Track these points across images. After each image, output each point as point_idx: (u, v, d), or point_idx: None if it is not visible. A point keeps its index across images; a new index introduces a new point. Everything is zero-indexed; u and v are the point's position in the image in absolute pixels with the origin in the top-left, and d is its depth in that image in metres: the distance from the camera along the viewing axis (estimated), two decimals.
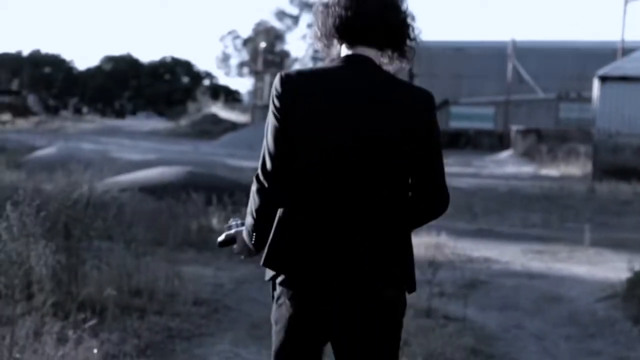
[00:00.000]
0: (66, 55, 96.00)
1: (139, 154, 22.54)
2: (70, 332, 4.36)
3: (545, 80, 33.66)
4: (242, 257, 2.49)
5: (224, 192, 9.92)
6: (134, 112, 57.29)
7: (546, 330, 5.77)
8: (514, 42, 34.28)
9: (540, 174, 21.41)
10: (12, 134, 29.86)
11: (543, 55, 34.17)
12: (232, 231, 2.49)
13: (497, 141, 31.24)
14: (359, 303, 2.28)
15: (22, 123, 40.03)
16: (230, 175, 14.09)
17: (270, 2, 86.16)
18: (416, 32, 2.40)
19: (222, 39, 63.64)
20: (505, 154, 27.26)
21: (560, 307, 6.51)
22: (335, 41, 2.42)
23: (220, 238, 2.51)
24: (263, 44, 49.40)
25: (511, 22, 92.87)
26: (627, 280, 6.70)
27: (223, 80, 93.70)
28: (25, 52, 63.44)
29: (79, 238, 5.19)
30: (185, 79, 62.92)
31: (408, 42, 2.40)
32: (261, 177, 2.31)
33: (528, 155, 25.44)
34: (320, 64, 2.52)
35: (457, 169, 22.06)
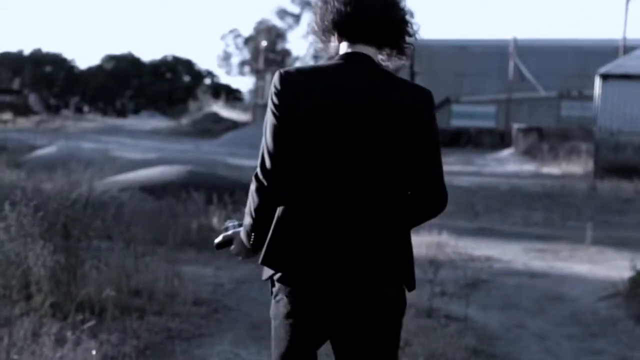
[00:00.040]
0: (67, 54, 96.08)
1: (139, 153, 22.52)
2: (68, 333, 4.33)
3: (546, 78, 33.62)
4: (240, 258, 2.47)
5: (224, 191, 9.89)
6: (136, 111, 57.26)
7: (548, 330, 5.74)
8: (515, 41, 34.23)
9: (542, 172, 21.36)
10: (13, 133, 29.85)
11: (544, 54, 34.13)
12: (230, 232, 2.46)
13: (499, 139, 31.21)
14: (358, 302, 2.27)
15: (23, 122, 40.04)
16: (231, 174, 14.06)
17: (272, 0, 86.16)
18: (415, 28, 2.39)
19: (223, 37, 63.69)
20: (506, 152, 27.21)
21: (562, 307, 6.48)
22: (333, 37, 2.40)
23: (218, 239, 2.49)
24: (264, 43, 49.36)
25: (512, 21, 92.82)
26: (630, 279, 6.67)
27: (224, 79, 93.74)
28: (27, 51, 63.45)
29: (78, 238, 5.16)
30: (187, 78, 62.91)
31: (407, 39, 2.38)
32: (260, 176, 2.29)
33: (529, 153, 25.40)
34: (321, 62, 2.50)
35: (458, 168, 22.03)
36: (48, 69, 61.43)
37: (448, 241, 9.28)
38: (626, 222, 12.29)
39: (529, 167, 22.79)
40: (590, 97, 25.22)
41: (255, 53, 53.15)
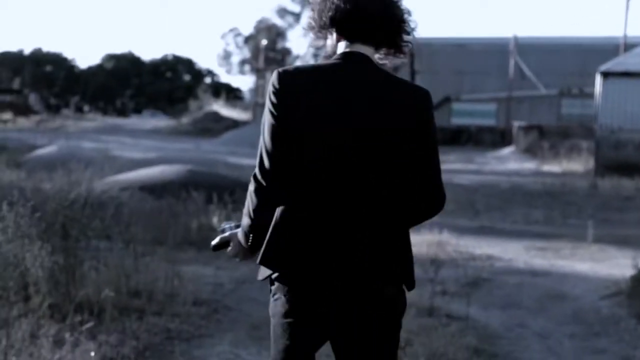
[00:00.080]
0: (68, 54, 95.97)
1: (140, 152, 22.49)
2: (67, 335, 4.31)
3: (547, 76, 33.57)
4: (238, 259, 2.46)
5: (224, 190, 9.87)
6: (138, 111, 57.23)
7: (550, 329, 5.71)
8: (515, 38, 34.18)
9: (542, 170, 21.34)
10: (13, 132, 29.83)
11: (545, 52, 34.07)
12: (227, 234, 2.44)
13: (499, 137, 31.17)
14: (358, 301, 2.25)
15: (23, 122, 40.02)
16: (231, 173, 14.03)
17: None
18: (412, 26, 2.38)
19: (223, 36, 63.66)
20: (507, 151, 27.18)
21: (564, 305, 6.44)
22: (330, 35, 2.39)
23: (215, 241, 2.47)
24: (264, 42, 49.33)
25: (513, 18, 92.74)
26: (632, 277, 6.63)
27: (224, 78, 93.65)
28: (27, 51, 63.45)
29: (77, 238, 5.12)
30: (187, 77, 62.91)
31: (405, 37, 2.37)
32: (259, 176, 2.27)
33: (530, 151, 25.37)
34: (319, 61, 2.48)
35: (458, 166, 22.00)
36: (48, 68, 61.42)
37: (449, 240, 9.25)
38: (627, 219, 12.26)
39: (529, 165, 22.76)
40: (590, 95, 25.18)
41: (256, 52, 53.12)
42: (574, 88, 32.52)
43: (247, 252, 2.38)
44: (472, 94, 34.61)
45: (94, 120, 46.09)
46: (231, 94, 56.79)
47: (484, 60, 34.95)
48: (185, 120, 41.26)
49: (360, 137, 2.24)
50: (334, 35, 2.37)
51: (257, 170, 2.28)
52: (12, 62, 60.71)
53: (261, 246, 2.30)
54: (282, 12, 56.94)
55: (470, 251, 8.89)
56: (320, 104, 2.24)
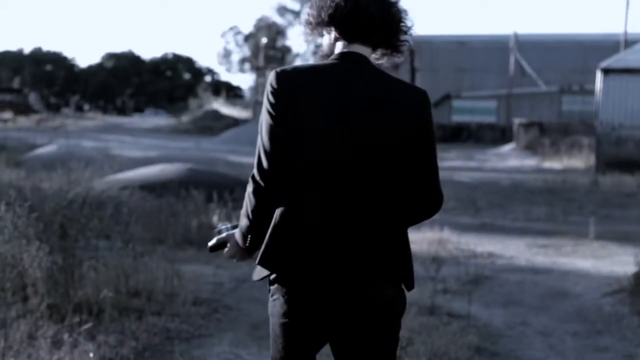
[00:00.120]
0: (68, 53, 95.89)
1: (140, 151, 22.46)
2: (65, 336, 4.27)
3: (547, 73, 33.54)
4: (235, 260, 2.44)
5: (224, 189, 9.83)
6: (137, 109, 57.20)
7: (552, 327, 5.67)
8: (516, 36, 34.13)
9: (543, 167, 21.30)
10: (13, 132, 29.80)
11: (545, 49, 34.03)
12: (223, 235, 2.44)
13: (500, 135, 31.15)
14: (357, 302, 2.24)
15: (23, 121, 40.02)
16: (232, 171, 14.00)
17: None
18: (409, 25, 2.37)
19: (223, 35, 63.55)
20: (507, 148, 27.15)
21: (566, 303, 6.41)
22: (327, 32, 2.38)
23: (212, 242, 2.46)
24: (264, 40, 49.30)
25: (513, 16, 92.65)
26: (634, 274, 6.59)
27: (224, 76, 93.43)
28: (27, 50, 63.47)
29: (75, 238, 5.09)
30: (187, 76, 62.92)
31: (402, 37, 2.37)
32: (257, 177, 2.25)
33: (531, 148, 25.34)
34: (317, 61, 2.47)
35: (459, 163, 21.97)
36: (48, 67, 61.43)
37: (450, 237, 9.22)
38: (629, 216, 12.22)
39: (530, 162, 22.73)
40: (591, 92, 25.16)
41: (256, 50, 53.09)
42: (574, 85, 32.47)
43: (245, 252, 2.37)
44: (472, 91, 34.57)
45: (94, 119, 46.09)
46: (231, 93, 56.80)
47: (485, 58, 34.92)
48: (185, 118, 41.27)
49: (359, 137, 2.23)
50: (332, 34, 2.36)
51: (255, 171, 2.26)
52: (12, 61, 60.70)
53: (259, 247, 2.29)
54: (282, 10, 56.91)
55: (471, 249, 8.85)
56: (318, 104, 2.23)
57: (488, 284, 7.08)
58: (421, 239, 8.78)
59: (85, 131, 34.39)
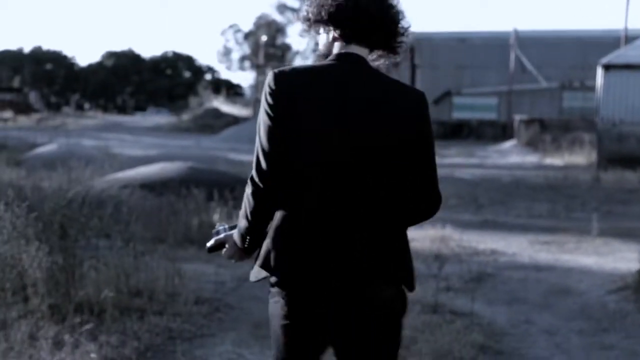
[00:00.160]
0: (67, 52, 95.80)
1: (140, 149, 22.43)
2: (67, 336, 4.24)
3: (547, 69, 33.50)
4: (234, 261, 2.44)
5: (225, 187, 9.80)
6: (141, 108, 57.13)
7: (557, 325, 5.63)
8: (516, 32, 34.07)
9: (545, 163, 21.26)
10: (13, 131, 29.77)
11: (545, 45, 33.99)
12: (221, 236, 2.44)
13: (500, 131, 31.10)
14: (356, 303, 2.24)
15: (23, 120, 39.99)
16: (232, 169, 13.96)
17: None
18: (406, 26, 2.36)
19: (223, 32, 63.58)
20: (508, 144, 27.10)
21: (569, 300, 6.37)
22: (325, 32, 2.36)
23: (210, 243, 2.46)
24: (264, 38, 49.25)
25: (513, 12, 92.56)
26: (638, 271, 6.55)
27: (225, 74, 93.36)
28: (27, 49, 63.40)
29: (75, 238, 5.05)
30: (187, 74, 62.89)
31: (399, 39, 2.37)
32: (256, 179, 2.24)
33: (532, 145, 25.30)
34: (315, 62, 2.45)
35: (460, 160, 21.92)
36: (48, 66, 61.40)
37: (452, 235, 9.18)
38: (631, 212, 12.18)
39: (531, 158, 22.69)
40: (592, 88, 25.10)
41: (256, 48, 53.05)
42: (575, 81, 32.42)
43: (244, 253, 2.37)
44: (472, 88, 34.52)
45: (95, 118, 46.06)
46: (231, 91, 56.74)
47: (485, 54, 34.88)
48: (185, 117, 41.24)
49: (357, 138, 2.22)
50: (330, 34, 2.35)
51: (254, 173, 2.25)
52: (12, 60, 60.67)
53: (257, 247, 2.29)
54: (282, 8, 56.86)
55: (473, 246, 8.81)
56: (316, 105, 2.22)
57: (491, 282, 7.04)
58: (423, 236, 8.75)
59: (85, 130, 34.36)
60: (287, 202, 2.24)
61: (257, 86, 43.30)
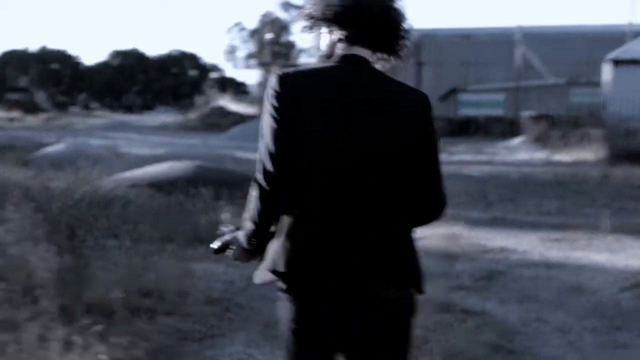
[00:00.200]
0: (73, 51, 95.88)
1: (148, 148, 22.42)
2: (76, 338, 4.21)
3: (554, 65, 33.36)
4: (240, 262, 2.45)
5: (233, 185, 9.78)
6: (148, 107, 57.08)
7: (569, 323, 5.58)
8: (521, 28, 33.95)
9: (553, 159, 21.15)
10: (21, 131, 29.81)
11: (551, 40, 33.86)
12: (227, 237, 2.44)
13: (508, 128, 30.97)
14: (361, 305, 2.24)
15: (31, 120, 40.03)
16: (240, 167, 13.92)
17: None
18: (408, 29, 2.36)
19: (228, 31, 63.50)
20: (516, 141, 26.98)
21: (582, 298, 6.31)
22: (328, 32, 2.34)
23: (215, 245, 2.46)
24: (269, 36, 49.21)
25: (518, 8, 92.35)
26: None
27: (230, 72, 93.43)
28: (33, 49, 63.44)
29: (84, 238, 5.03)
30: (193, 72, 62.85)
31: (401, 42, 2.36)
32: (262, 182, 2.24)
33: (540, 141, 25.17)
34: (318, 63, 2.42)
35: (468, 157, 21.83)
36: (54, 66, 61.45)
37: (462, 232, 9.14)
38: None
39: (539, 154, 22.58)
40: (599, 83, 24.97)
41: (261, 46, 53.03)
42: (582, 77, 32.28)
43: (250, 254, 2.38)
44: (479, 85, 34.41)
45: (102, 117, 46.10)
46: (237, 89, 56.69)
47: (490, 51, 34.76)
48: (192, 115, 41.23)
49: (360, 140, 2.22)
50: (333, 35, 2.33)
51: (259, 176, 2.24)
52: (19, 60, 60.77)
53: (263, 248, 2.29)
54: (286, 5, 56.77)
55: (483, 244, 8.76)
56: (319, 107, 2.22)
57: (502, 280, 6.99)
58: (433, 234, 8.69)
59: (92, 129, 34.37)
60: (292, 204, 2.24)
61: (263, 84, 43.28)
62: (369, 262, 2.22)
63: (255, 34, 58.72)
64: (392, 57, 2.37)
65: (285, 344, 2.32)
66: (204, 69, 62.90)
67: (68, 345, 4.19)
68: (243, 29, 60.33)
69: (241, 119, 37.49)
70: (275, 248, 2.25)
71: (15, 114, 41.72)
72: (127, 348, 4.41)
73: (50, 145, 20.39)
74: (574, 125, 25.42)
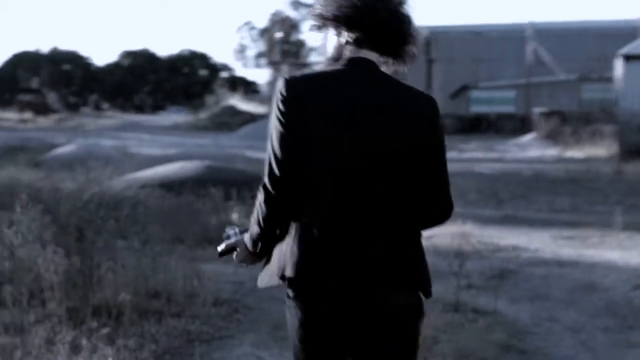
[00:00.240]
0: (84, 52, 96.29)
1: (158, 148, 22.45)
2: (84, 340, 4.19)
3: (565, 61, 33.14)
4: (245, 265, 2.44)
5: (243, 185, 9.76)
6: (160, 107, 57.15)
7: (581, 322, 5.52)
8: (532, 24, 33.77)
9: (565, 156, 21.02)
10: (33, 132, 29.93)
11: (562, 36, 33.65)
12: (232, 240, 2.42)
13: (519, 124, 30.81)
14: (370, 310, 2.23)
15: (43, 121, 40.18)
16: (250, 167, 13.90)
17: None
18: (415, 35, 2.34)
19: (238, 30, 63.61)
20: (528, 137, 26.85)
21: (594, 297, 6.25)
22: (336, 33, 2.32)
23: (221, 248, 2.45)
24: (279, 34, 49.20)
25: (529, 4, 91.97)
26: None
27: (240, 71, 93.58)
28: (44, 50, 63.70)
29: (92, 240, 5.01)
30: (203, 72, 62.93)
31: (408, 47, 2.35)
32: (269, 186, 2.23)
33: (551, 137, 25.04)
34: (326, 66, 2.40)
35: (479, 154, 21.74)
36: (66, 67, 61.68)
37: (473, 230, 9.07)
38: None
39: (551, 151, 22.45)
40: (611, 79, 24.79)
41: (271, 45, 53.05)
42: (593, 72, 32.07)
43: (255, 257, 2.37)
44: (490, 82, 34.26)
45: (113, 117, 46.24)
46: (248, 88, 56.70)
47: (501, 47, 34.58)
48: (203, 115, 41.28)
49: (367, 143, 2.21)
50: (342, 37, 2.31)
51: (266, 180, 2.23)
52: (30, 61, 61.03)
53: (269, 252, 2.28)
54: (296, 4, 56.76)
55: (495, 242, 8.69)
56: (326, 111, 2.21)
57: (513, 278, 6.93)
58: (443, 232, 8.64)
59: (104, 130, 34.47)
60: (299, 208, 2.22)
61: (272, 83, 43.28)
62: (379, 266, 2.21)
63: (265, 32, 58.74)
64: (396, 62, 2.36)
65: (294, 352, 2.30)
66: (215, 69, 62.97)
67: (75, 349, 4.17)
68: (253, 28, 60.40)
69: (251, 118, 37.49)
70: (282, 252, 2.24)
71: (27, 115, 41.88)
72: (135, 350, 4.39)
73: (61, 146, 20.45)
74: (585, 121, 25.27)
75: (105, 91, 59.75)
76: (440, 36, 34.08)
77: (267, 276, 2.31)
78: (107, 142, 23.88)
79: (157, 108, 57.12)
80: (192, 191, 9.55)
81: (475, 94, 34.10)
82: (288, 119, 2.21)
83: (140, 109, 57.46)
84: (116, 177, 11.64)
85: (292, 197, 2.21)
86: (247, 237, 2.35)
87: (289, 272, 2.21)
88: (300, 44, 55.44)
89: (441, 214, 2.33)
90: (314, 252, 2.20)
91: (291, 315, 2.26)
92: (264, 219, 2.25)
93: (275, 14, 58.19)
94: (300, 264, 2.20)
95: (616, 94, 20.83)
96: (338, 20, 2.29)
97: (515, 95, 33.58)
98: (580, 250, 8.30)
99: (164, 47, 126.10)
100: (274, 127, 2.24)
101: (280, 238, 2.27)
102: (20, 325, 4.27)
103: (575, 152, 21.30)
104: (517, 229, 9.70)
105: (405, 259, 2.25)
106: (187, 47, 78.64)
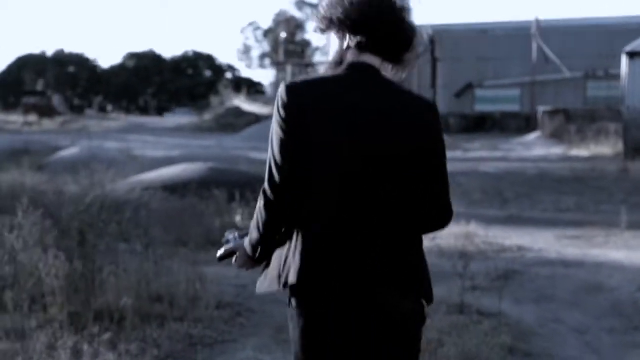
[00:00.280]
0: (90, 54, 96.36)
1: (163, 150, 22.45)
2: (85, 346, 4.17)
3: (571, 59, 33.03)
4: (245, 270, 2.43)
5: (246, 187, 9.73)
6: (165, 109, 57.19)
7: (587, 323, 5.48)
8: (537, 22, 33.67)
9: (570, 155, 20.96)
10: (37, 135, 29.97)
11: (568, 34, 33.52)
12: (232, 245, 2.42)
13: (524, 123, 30.73)
14: (372, 315, 2.22)
15: (48, 123, 40.23)
16: (254, 169, 13.89)
17: None
18: (417, 42, 2.34)
19: (242, 30, 63.65)
20: (533, 136, 26.77)
21: (600, 297, 6.21)
22: (339, 37, 2.31)
23: (220, 252, 2.44)
24: (284, 35, 49.20)
25: (534, 1, 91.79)
26: None
27: (245, 72, 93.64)
28: (49, 52, 63.83)
29: (94, 243, 4.99)
30: (208, 73, 62.98)
31: (409, 54, 2.35)
32: (269, 191, 2.22)
33: (556, 136, 24.96)
34: (327, 71, 2.38)
35: (484, 153, 21.68)
36: (71, 69, 61.80)
37: (477, 231, 9.03)
38: None
39: (556, 150, 22.38)
40: (617, 77, 24.68)
41: (275, 45, 53.06)
42: (599, 70, 31.96)
43: (254, 262, 2.36)
44: (495, 80, 34.17)
45: (118, 119, 46.28)
46: (252, 89, 56.72)
47: (507, 46, 34.47)
48: (207, 116, 41.30)
49: (368, 149, 2.21)
50: (345, 41, 2.30)
51: (266, 185, 2.23)
52: (35, 64, 61.18)
53: (268, 257, 2.28)
54: (301, 4, 56.78)
55: (499, 242, 8.65)
56: (327, 116, 2.21)
57: (518, 279, 6.89)
58: (448, 233, 8.60)
59: (108, 132, 34.50)
60: (300, 214, 2.22)
61: (277, 84, 43.25)
62: (379, 266, 2.20)
63: (269, 33, 58.76)
64: (396, 67, 2.35)
65: (294, 351, 2.28)
66: (219, 70, 63.01)
67: (77, 354, 4.15)
68: (257, 28, 60.44)
69: (256, 119, 37.46)
70: (283, 258, 2.23)
71: (32, 117, 41.96)
72: (137, 355, 4.37)
73: (65, 149, 20.47)
74: (591, 119, 25.19)
75: (110, 93, 59.85)
76: (445, 35, 34.02)
77: (267, 282, 2.30)
78: (111, 145, 23.89)
79: (162, 110, 57.14)
80: (196, 193, 9.54)
81: (480, 92, 34.03)
82: (289, 124, 2.21)
83: (144, 111, 57.50)
84: (119, 180, 11.64)
85: (292, 202, 2.21)
86: (246, 242, 2.35)
87: (292, 279, 2.20)
88: (305, 44, 55.44)
89: (441, 214, 2.32)
90: (315, 258, 2.20)
91: (293, 325, 2.25)
92: (263, 224, 2.24)
93: (279, 14, 58.24)
94: (303, 270, 2.19)
95: (622, 91, 20.73)
96: (343, 23, 2.29)
97: (520, 94, 33.49)
98: (586, 250, 8.25)
99: (169, 49, 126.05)
100: (274, 132, 2.24)
101: (280, 243, 2.27)
102: (21, 330, 4.25)
103: (581, 151, 21.23)
104: (522, 229, 9.66)
105: (405, 262, 2.24)
106: (192, 48, 78.68)
